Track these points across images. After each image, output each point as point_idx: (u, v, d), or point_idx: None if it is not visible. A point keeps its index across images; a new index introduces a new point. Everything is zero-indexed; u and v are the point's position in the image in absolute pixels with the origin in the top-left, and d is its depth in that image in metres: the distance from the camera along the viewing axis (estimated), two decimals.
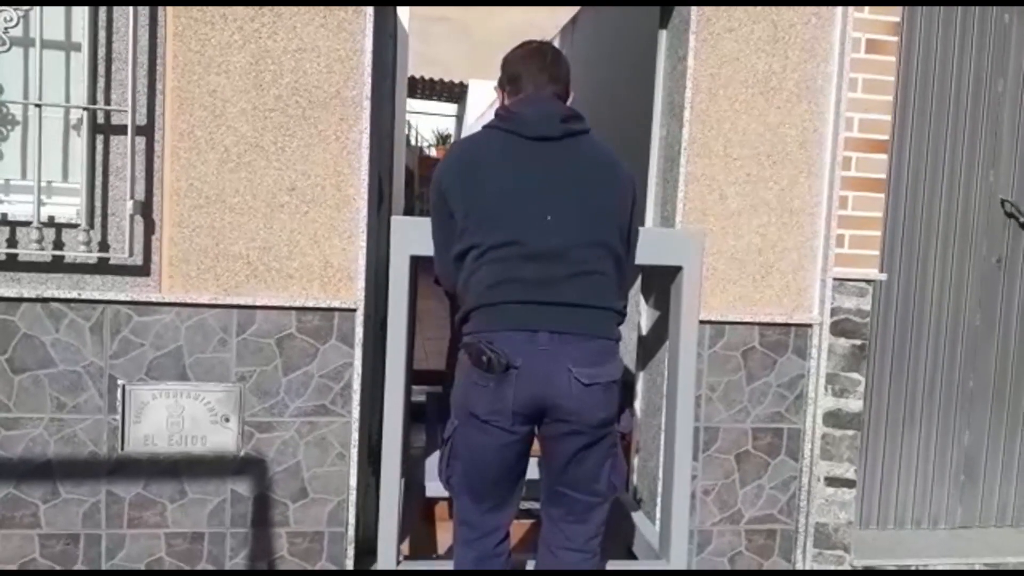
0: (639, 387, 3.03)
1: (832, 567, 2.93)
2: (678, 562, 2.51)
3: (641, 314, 3.00)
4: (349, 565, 2.65)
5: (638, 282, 3.01)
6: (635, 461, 3.05)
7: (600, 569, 2.25)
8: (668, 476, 2.53)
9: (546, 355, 1.88)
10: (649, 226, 3.01)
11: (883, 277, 2.93)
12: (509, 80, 2.10)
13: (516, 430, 1.93)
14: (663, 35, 2.95)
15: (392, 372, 2.33)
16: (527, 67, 2.08)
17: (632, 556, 2.80)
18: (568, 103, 2.10)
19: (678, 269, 2.41)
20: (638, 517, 2.89)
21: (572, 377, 1.88)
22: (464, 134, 15.04)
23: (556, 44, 7.65)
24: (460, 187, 1.97)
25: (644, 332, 3.00)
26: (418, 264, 2.34)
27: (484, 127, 2.06)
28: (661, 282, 2.72)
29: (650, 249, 2.34)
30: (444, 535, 3.11)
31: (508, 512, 2.08)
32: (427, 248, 2.18)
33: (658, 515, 2.77)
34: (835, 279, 2.83)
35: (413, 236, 2.25)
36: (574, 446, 1.95)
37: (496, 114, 2.07)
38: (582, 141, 2.02)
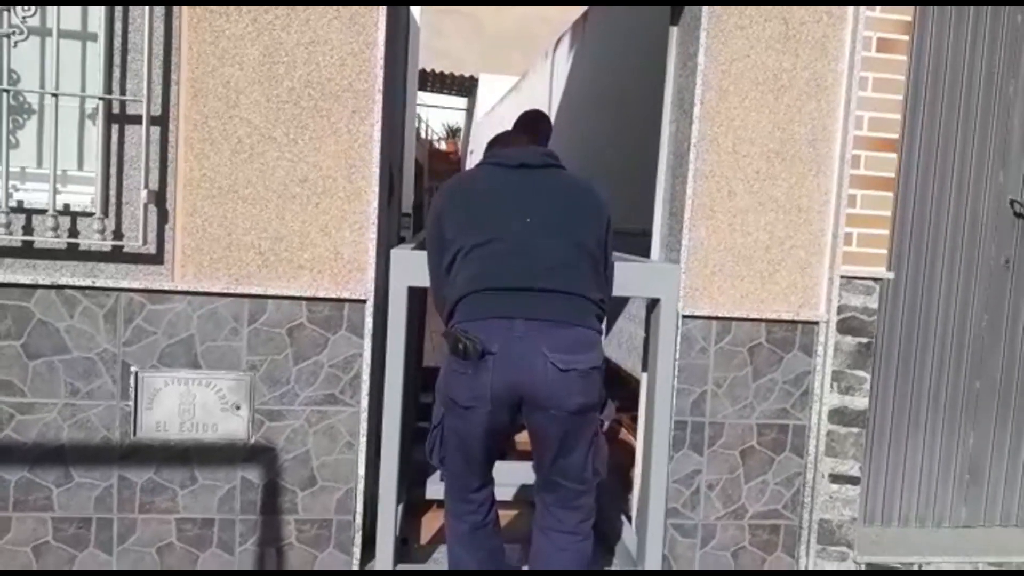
0: (644, 381, 3.04)
1: (836, 563, 2.94)
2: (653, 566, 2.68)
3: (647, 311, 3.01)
4: (356, 553, 2.69)
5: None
6: (639, 454, 3.06)
7: (591, 571, 2.39)
8: (643, 508, 2.65)
9: (522, 342, 1.98)
10: (656, 250, 3.05)
11: (891, 275, 2.94)
12: (492, 146, 2.43)
13: (496, 416, 2.03)
14: (674, 32, 2.96)
15: (391, 385, 2.46)
16: (511, 133, 2.49)
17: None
18: None
19: (656, 301, 2.51)
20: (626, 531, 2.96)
21: (548, 362, 1.96)
22: (473, 128, 15.04)
23: (567, 39, 7.65)
24: (451, 207, 2.17)
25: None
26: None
27: (475, 165, 2.33)
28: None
29: (629, 282, 2.45)
30: (428, 524, 3.18)
31: (492, 485, 2.27)
32: (425, 279, 2.36)
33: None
34: (842, 277, 2.84)
35: (411, 267, 2.39)
36: (557, 434, 2.05)
37: (484, 156, 2.35)
38: (561, 172, 2.24)
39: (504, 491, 3.17)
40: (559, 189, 2.17)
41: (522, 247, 2.04)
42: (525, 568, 2.49)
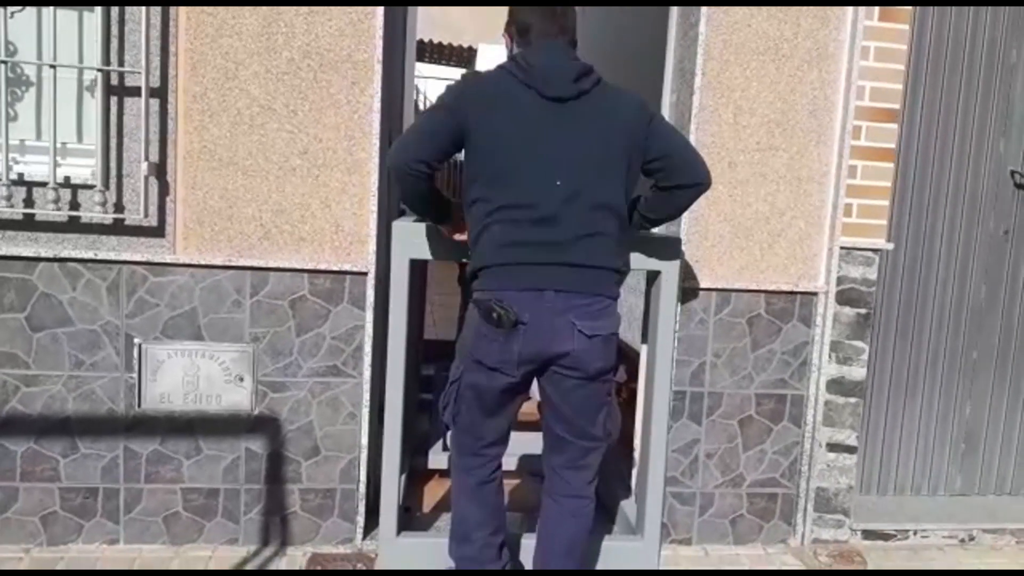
0: (644, 352, 3.06)
1: (832, 530, 2.99)
2: (651, 539, 2.70)
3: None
4: (360, 521, 2.72)
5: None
6: (639, 424, 3.09)
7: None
8: (642, 477, 2.70)
9: (552, 312, 2.04)
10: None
11: (890, 247, 2.94)
12: (519, 30, 2.15)
13: (519, 376, 2.11)
14: None
15: (394, 356, 2.49)
16: (537, 17, 2.12)
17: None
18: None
19: (656, 273, 2.51)
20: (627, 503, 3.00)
21: (576, 330, 2.05)
22: None
23: None
24: (476, 120, 2.00)
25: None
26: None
27: (501, 69, 2.06)
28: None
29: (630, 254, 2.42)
30: (431, 493, 3.22)
31: (504, 445, 2.32)
32: (427, 252, 2.39)
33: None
34: (842, 248, 2.85)
35: (413, 240, 2.40)
36: (575, 395, 2.14)
37: (512, 60, 2.09)
38: (593, 96, 2.06)
39: (506, 461, 3.21)
40: (590, 130, 2.04)
41: (550, 216, 2.02)
42: (527, 535, 2.53)
